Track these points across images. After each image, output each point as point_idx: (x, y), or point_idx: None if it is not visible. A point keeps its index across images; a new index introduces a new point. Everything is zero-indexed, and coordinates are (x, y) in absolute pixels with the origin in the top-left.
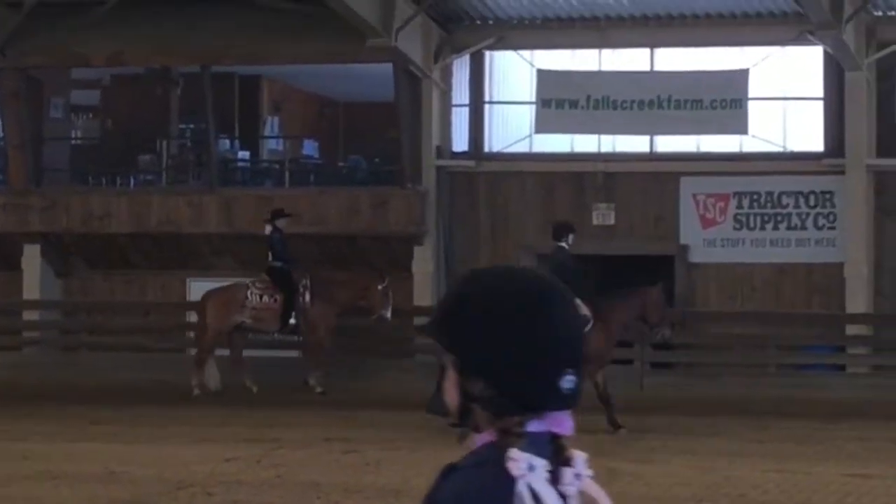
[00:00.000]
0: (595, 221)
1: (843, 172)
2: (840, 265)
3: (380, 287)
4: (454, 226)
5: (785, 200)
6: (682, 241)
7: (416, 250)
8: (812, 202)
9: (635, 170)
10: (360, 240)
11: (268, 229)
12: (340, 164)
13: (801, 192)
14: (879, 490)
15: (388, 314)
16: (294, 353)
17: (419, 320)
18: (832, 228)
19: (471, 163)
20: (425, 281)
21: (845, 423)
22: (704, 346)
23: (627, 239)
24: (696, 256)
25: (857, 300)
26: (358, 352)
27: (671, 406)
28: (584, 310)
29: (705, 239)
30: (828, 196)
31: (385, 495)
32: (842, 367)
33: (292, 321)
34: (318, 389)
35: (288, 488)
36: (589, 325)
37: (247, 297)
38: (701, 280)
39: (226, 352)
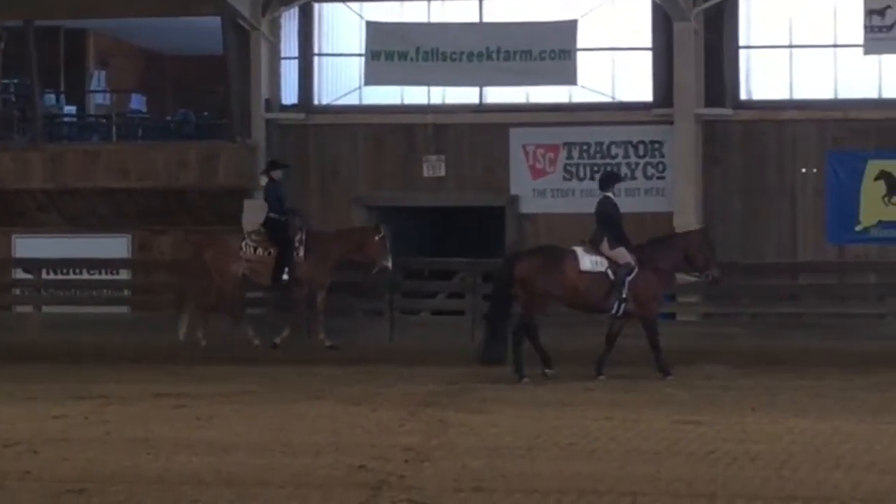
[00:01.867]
0: (426, 173)
1: (671, 122)
2: (669, 214)
3: (377, 238)
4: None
5: (614, 151)
6: (513, 191)
7: (246, 204)
8: (641, 152)
9: (465, 121)
10: (189, 194)
11: (263, 181)
12: (168, 118)
13: (630, 143)
14: (708, 436)
15: (389, 263)
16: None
17: None
18: (661, 178)
19: (300, 116)
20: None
21: (675, 371)
22: None
23: (458, 190)
24: (526, 207)
25: None
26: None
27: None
28: (628, 257)
29: (535, 189)
30: (657, 146)
31: (216, 450)
32: (672, 316)
33: (285, 277)
34: (328, 343)
35: (117, 445)
36: (633, 274)
37: (242, 249)
38: (531, 230)
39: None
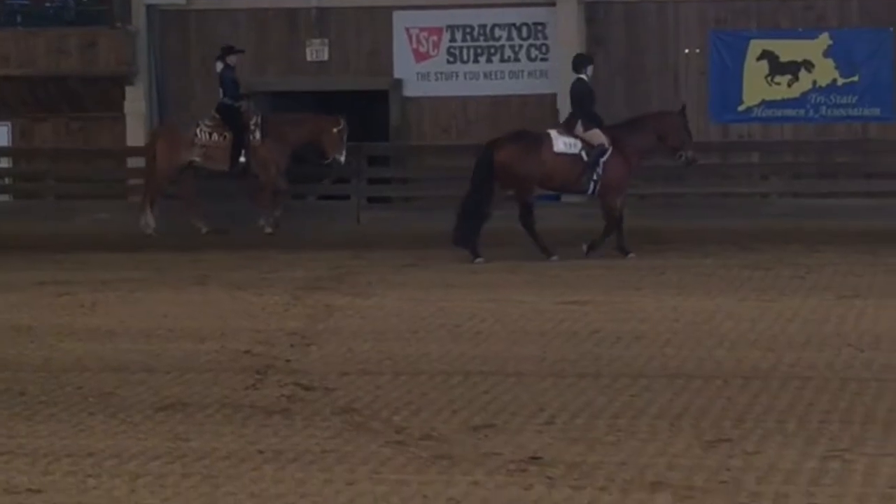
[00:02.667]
0: (309, 57)
1: (554, 4)
2: (553, 96)
3: (335, 130)
4: (166, 65)
5: (498, 33)
6: (397, 75)
7: (128, 90)
8: (524, 34)
9: (348, 4)
10: (69, 81)
11: (218, 66)
12: (47, 3)
13: (513, 25)
14: (593, 316)
15: (343, 158)
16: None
17: (133, 161)
18: (545, 60)
19: (181, 1)
20: (138, 121)
21: (560, 252)
22: (420, 179)
23: (342, 74)
24: (410, 90)
25: None
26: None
27: (388, 240)
28: (602, 138)
29: (419, 73)
30: (540, 28)
31: (100, 336)
32: (557, 197)
33: (242, 160)
34: (268, 230)
35: (0, 333)
36: (607, 154)
37: (196, 135)
38: (415, 114)
39: None
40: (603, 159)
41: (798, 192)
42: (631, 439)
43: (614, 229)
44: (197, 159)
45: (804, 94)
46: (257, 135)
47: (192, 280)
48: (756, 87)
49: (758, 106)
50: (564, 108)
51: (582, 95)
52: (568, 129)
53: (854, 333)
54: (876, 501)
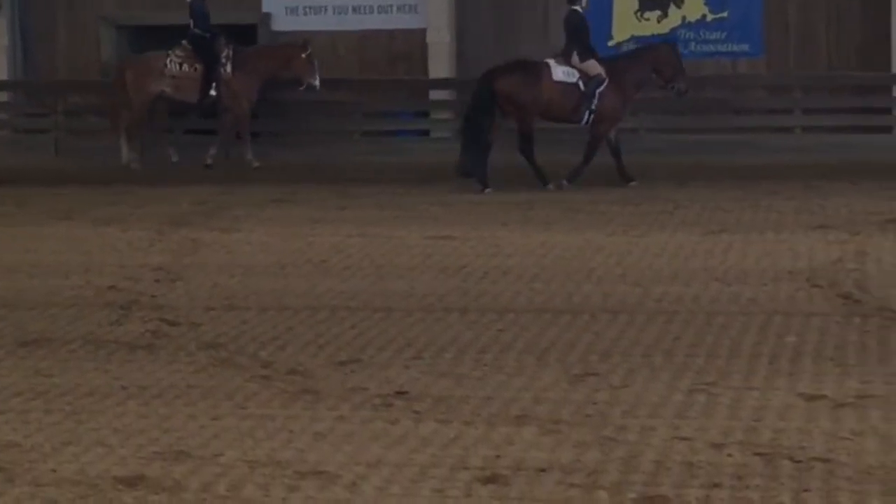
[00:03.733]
0: None
1: None
2: (423, 31)
3: (303, 55)
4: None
5: None
6: (265, 9)
7: None
8: None
9: None
10: None
11: None
12: None
13: None
14: (461, 251)
15: (317, 82)
16: None
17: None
18: None
19: None
20: (1, 55)
21: (428, 188)
22: (288, 113)
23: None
24: (278, 24)
25: (439, 66)
26: None
27: (256, 175)
28: (599, 69)
29: (287, 7)
30: None
31: None
32: (426, 133)
33: (213, 92)
34: (255, 164)
35: None
36: (603, 85)
37: (166, 66)
38: None
39: None
40: (599, 90)
41: (667, 128)
42: (497, 374)
43: (592, 159)
44: (167, 90)
45: (673, 30)
46: (228, 67)
47: (57, 215)
48: (625, 22)
49: (627, 41)
50: (435, 42)
51: (577, 26)
52: (565, 59)
53: (721, 268)
54: (740, 434)
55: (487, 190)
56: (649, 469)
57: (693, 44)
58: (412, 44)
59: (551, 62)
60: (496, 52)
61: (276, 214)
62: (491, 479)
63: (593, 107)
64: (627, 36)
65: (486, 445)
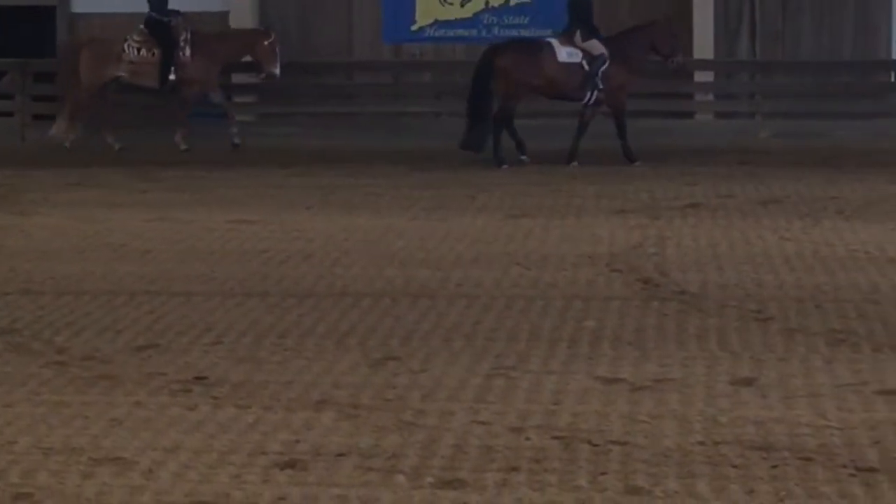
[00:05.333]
0: None
1: None
2: (225, 14)
3: (266, 43)
4: None
5: None
6: None
7: None
8: None
9: None
10: None
11: None
12: None
13: None
14: (262, 235)
15: (277, 70)
16: None
17: None
18: None
19: None
20: None
21: (230, 172)
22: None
23: None
24: (78, 6)
25: None
26: None
27: (55, 159)
28: (602, 48)
29: None
30: None
31: None
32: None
33: (171, 77)
34: (184, 147)
35: None
36: (607, 63)
37: (123, 50)
38: (84, 30)
39: None
40: (602, 69)
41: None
42: (297, 358)
43: (625, 127)
44: (124, 75)
45: (477, 15)
46: (187, 51)
47: None
48: (429, 7)
49: (430, 26)
50: (237, 25)
51: (583, 7)
52: (568, 39)
53: (522, 252)
54: (539, 418)
55: (504, 166)
56: (448, 453)
57: (496, 28)
58: (214, 27)
59: (554, 42)
60: (299, 36)
61: (74, 198)
62: (289, 465)
63: (599, 86)
64: (431, 20)
65: (284, 430)
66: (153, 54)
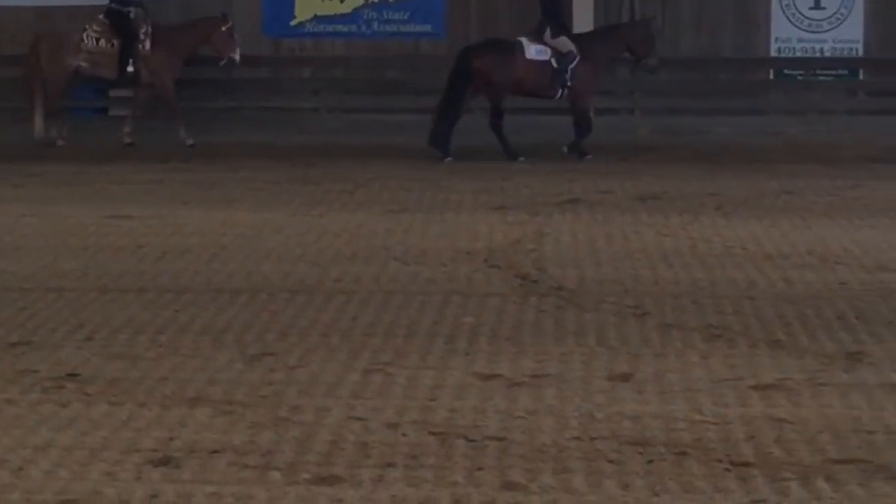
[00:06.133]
0: None
1: None
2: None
3: (224, 29)
4: None
5: None
6: None
7: None
8: None
9: None
10: None
11: None
12: None
13: None
14: (139, 230)
15: (237, 56)
16: None
17: None
18: None
19: None
20: None
21: (106, 167)
22: None
23: None
24: None
25: None
26: None
27: None
28: (570, 46)
29: None
30: None
31: None
32: (104, 110)
33: (130, 69)
34: (189, 142)
35: None
36: (576, 61)
37: (83, 41)
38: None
39: None
40: (572, 66)
41: (348, 108)
42: (173, 355)
43: (587, 130)
44: (84, 65)
45: (356, 10)
46: (147, 43)
47: None
48: (308, 2)
49: (310, 21)
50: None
51: (551, 4)
52: (537, 36)
53: (400, 247)
54: (416, 413)
55: (448, 159)
56: (323, 449)
57: (376, 24)
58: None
59: (524, 40)
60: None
61: None
62: (163, 462)
63: (568, 82)
64: (310, 16)
65: (158, 427)
66: (112, 45)
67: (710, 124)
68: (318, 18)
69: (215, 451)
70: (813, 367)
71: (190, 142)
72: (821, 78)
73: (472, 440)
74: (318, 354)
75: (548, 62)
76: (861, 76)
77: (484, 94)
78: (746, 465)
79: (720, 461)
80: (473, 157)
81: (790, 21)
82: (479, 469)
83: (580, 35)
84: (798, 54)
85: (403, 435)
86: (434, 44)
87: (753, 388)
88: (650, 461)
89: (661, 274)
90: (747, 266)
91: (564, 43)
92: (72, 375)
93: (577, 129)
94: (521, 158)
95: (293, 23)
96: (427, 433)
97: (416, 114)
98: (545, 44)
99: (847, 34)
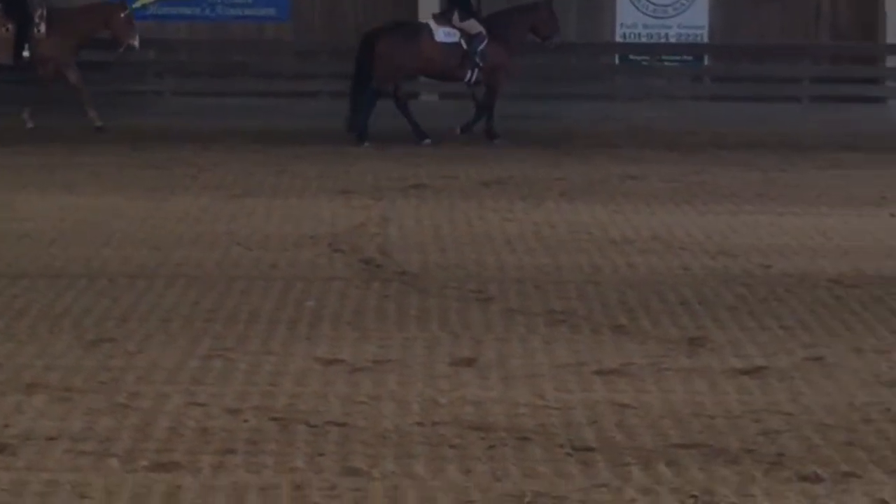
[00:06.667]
0: None
1: None
2: None
3: (122, 15)
4: None
5: None
6: None
7: None
8: None
9: None
10: None
11: None
12: None
13: None
14: None
15: (136, 42)
16: None
17: None
18: None
19: None
20: None
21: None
22: None
23: None
24: None
25: None
26: None
27: None
28: (479, 27)
29: None
30: None
31: None
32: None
33: (26, 54)
34: (98, 124)
35: None
36: (484, 43)
37: None
38: None
39: None
40: (481, 47)
41: (191, 91)
42: (9, 341)
43: (487, 111)
44: None
45: None
46: (42, 28)
47: None
48: None
49: (154, 3)
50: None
51: None
52: (445, 19)
53: (244, 232)
54: (256, 399)
55: (366, 144)
56: (163, 436)
57: (220, 7)
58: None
59: (432, 23)
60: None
61: None
62: None
63: (479, 64)
64: None
65: None
66: (7, 30)
67: (556, 110)
68: (161, 1)
69: (52, 438)
70: (656, 353)
71: (98, 124)
72: (666, 64)
73: (314, 426)
74: (158, 340)
75: (458, 44)
76: (706, 62)
77: (378, 76)
78: (588, 449)
79: (562, 446)
80: (318, 141)
81: (635, 6)
82: (321, 455)
83: (487, 17)
84: (643, 40)
85: (244, 421)
86: (277, 27)
87: (596, 373)
88: (492, 446)
89: (505, 259)
90: (591, 251)
91: (473, 25)
92: None
93: (477, 111)
94: (367, 144)
95: (136, 5)
96: (268, 419)
97: (260, 97)
98: (453, 26)
99: (692, 20)
